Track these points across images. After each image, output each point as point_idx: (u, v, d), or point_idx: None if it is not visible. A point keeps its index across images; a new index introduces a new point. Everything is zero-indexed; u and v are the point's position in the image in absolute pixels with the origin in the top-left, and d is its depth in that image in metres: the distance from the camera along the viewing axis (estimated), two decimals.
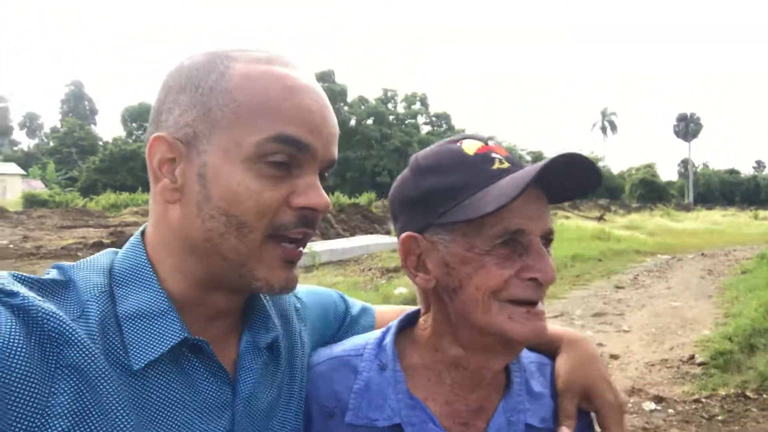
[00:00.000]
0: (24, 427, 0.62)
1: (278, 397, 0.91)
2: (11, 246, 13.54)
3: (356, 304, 1.18)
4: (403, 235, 0.91)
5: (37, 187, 49.94)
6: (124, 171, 51.43)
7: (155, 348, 0.75)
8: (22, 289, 0.68)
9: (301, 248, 0.82)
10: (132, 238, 0.84)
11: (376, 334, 1.02)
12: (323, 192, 0.80)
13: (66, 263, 0.80)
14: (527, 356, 1.02)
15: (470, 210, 0.83)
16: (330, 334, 1.11)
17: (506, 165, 0.87)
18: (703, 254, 15.58)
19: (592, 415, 1.00)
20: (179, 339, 0.77)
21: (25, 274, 0.74)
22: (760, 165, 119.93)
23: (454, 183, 0.87)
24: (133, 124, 68.92)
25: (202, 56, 0.81)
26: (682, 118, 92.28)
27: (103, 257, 0.83)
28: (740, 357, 5.67)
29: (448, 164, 0.88)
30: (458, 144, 0.91)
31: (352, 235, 18.41)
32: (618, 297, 9.37)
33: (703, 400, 4.73)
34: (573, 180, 0.87)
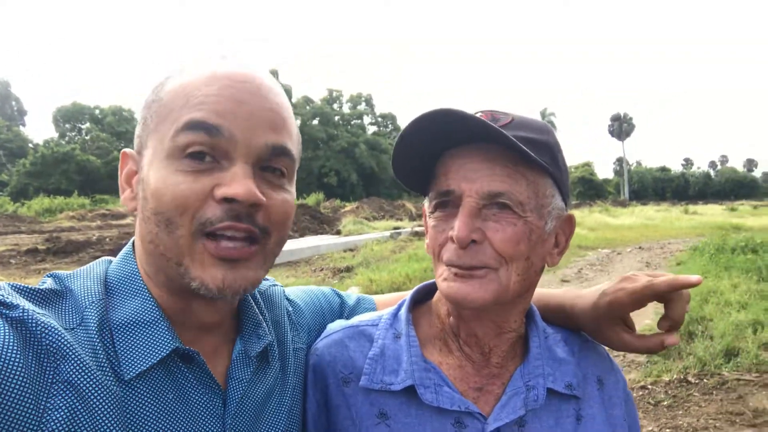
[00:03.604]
0: None
1: (269, 402, 0.90)
2: None
3: (351, 295, 1.18)
4: None
5: None
6: (57, 174, 48.80)
7: (146, 358, 0.74)
8: (22, 301, 0.67)
9: (239, 245, 0.75)
10: (125, 248, 0.85)
11: (391, 308, 1.04)
12: (248, 182, 0.74)
13: (62, 272, 0.79)
14: (551, 327, 1.03)
15: None
16: None
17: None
18: (640, 247, 16.23)
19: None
20: (170, 349, 0.75)
21: (22, 284, 0.72)
22: (688, 162, 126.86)
23: None
24: (66, 125, 65.69)
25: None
26: (616, 118, 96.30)
27: (98, 266, 0.83)
28: (681, 344, 5.95)
29: None
30: None
31: (302, 236, 18.20)
32: None
33: (649, 386, 4.94)
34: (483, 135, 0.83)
